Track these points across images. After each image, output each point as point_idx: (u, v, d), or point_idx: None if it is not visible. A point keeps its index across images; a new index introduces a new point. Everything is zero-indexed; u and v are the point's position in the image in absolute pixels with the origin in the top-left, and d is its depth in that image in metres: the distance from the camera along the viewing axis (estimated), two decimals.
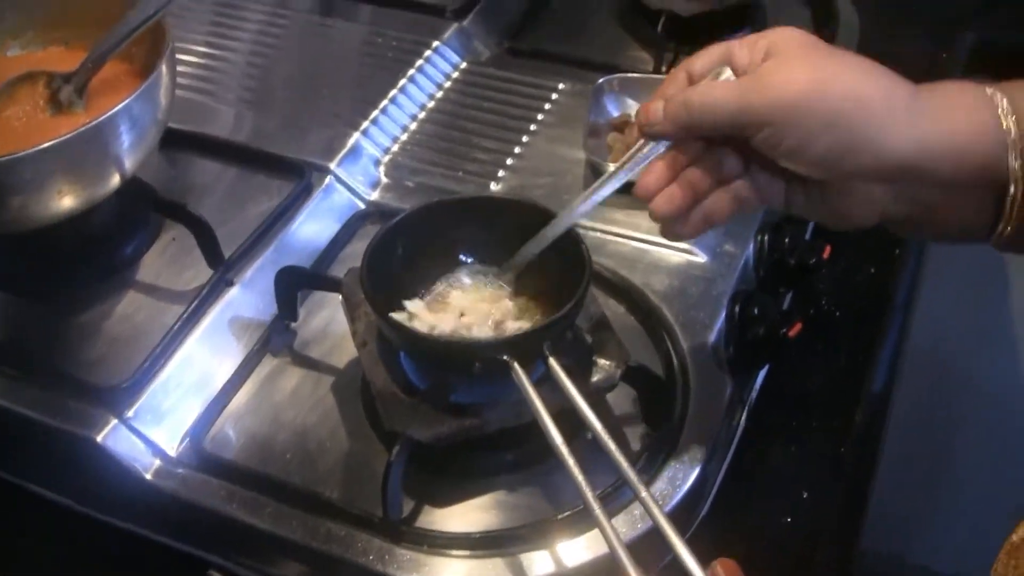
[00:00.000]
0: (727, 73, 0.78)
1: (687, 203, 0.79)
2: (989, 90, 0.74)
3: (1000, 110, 0.73)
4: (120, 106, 0.94)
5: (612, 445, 0.79)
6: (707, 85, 0.78)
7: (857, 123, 0.72)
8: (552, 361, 0.85)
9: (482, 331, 0.90)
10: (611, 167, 1.10)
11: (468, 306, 0.93)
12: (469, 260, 0.98)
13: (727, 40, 0.80)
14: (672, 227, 0.81)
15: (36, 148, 0.90)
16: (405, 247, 0.94)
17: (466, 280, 0.96)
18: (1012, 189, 0.73)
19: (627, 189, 1.10)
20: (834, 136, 0.73)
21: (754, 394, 1.03)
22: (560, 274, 0.91)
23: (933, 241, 1.22)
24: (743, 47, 0.78)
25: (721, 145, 0.79)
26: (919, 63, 1.42)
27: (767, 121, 0.73)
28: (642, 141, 0.81)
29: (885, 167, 0.74)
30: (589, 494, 0.76)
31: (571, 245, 0.90)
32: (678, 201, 0.79)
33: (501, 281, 0.95)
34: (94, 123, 0.93)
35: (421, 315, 0.92)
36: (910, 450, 1.61)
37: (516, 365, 0.84)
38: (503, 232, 0.95)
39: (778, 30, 0.77)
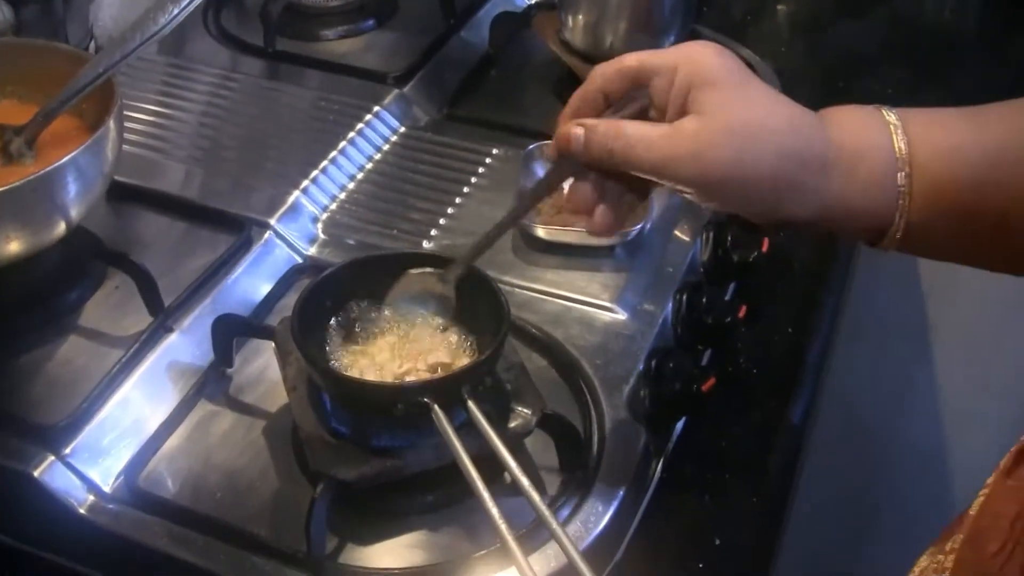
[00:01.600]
0: (643, 103, 0.81)
1: (618, 213, 0.84)
2: (892, 127, 0.78)
3: (898, 158, 0.77)
4: (67, 158, 0.98)
5: (527, 483, 0.83)
6: (632, 136, 0.79)
7: (772, 200, 0.78)
8: (471, 405, 0.89)
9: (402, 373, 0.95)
10: (540, 229, 1.16)
11: (394, 348, 0.97)
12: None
13: (640, 54, 0.82)
14: (604, 232, 0.86)
15: None
16: (334, 298, 0.98)
17: (395, 316, 0.99)
18: (893, 230, 0.78)
19: (554, 250, 1.16)
20: (750, 208, 0.79)
21: (671, 445, 1.06)
22: (482, 324, 0.95)
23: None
24: (662, 73, 0.79)
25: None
26: None
27: (691, 187, 0.78)
28: (559, 161, 0.85)
29: (791, 223, 0.79)
30: (506, 531, 0.80)
31: (491, 297, 0.95)
32: (610, 216, 0.84)
33: (445, 280, 0.97)
34: (42, 173, 0.97)
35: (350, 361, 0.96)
36: (824, 507, 1.66)
37: (436, 407, 0.87)
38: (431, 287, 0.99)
39: (694, 54, 0.79)
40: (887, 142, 0.77)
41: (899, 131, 0.77)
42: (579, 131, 0.81)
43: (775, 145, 0.77)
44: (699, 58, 0.79)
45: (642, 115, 0.82)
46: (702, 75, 0.77)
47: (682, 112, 0.78)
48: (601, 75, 0.83)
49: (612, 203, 0.84)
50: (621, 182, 0.83)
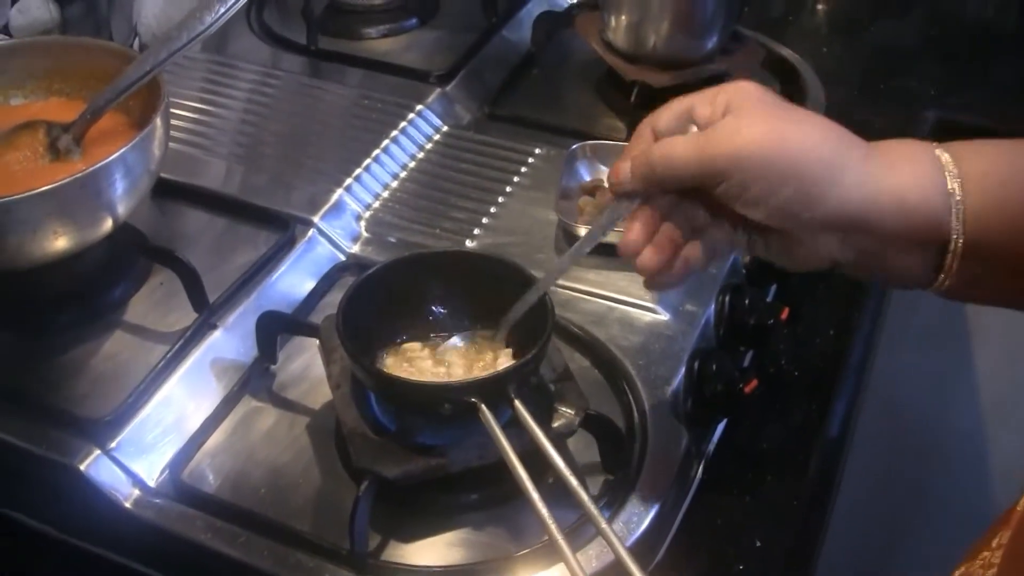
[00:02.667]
0: (691, 130, 0.82)
1: (668, 257, 0.84)
2: (938, 151, 0.78)
3: (947, 172, 0.76)
4: (115, 156, 0.99)
5: (575, 482, 0.83)
6: (668, 141, 0.81)
7: (812, 176, 0.76)
8: (518, 404, 0.89)
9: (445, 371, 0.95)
10: (581, 228, 1.16)
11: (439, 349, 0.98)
12: (441, 312, 1.02)
13: (687, 96, 0.84)
14: (656, 280, 0.86)
15: (33, 191, 0.95)
16: (379, 297, 0.98)
17: (453, 344, 1.00)
18: (952, 246, 0.76)
19: (598, 250, 1.16)
20: (791, 188, 0.76)
21: (711, 447, 1.07)
22: (526, 324, 0.95)
23: (882, 285, 1.27)
24: (704, 102, 0.81)
25: (690, 199, 0.83)
26: (880, 135, 1.48)
27: (727, 174, 0.77)
28: (613, 201, 0.86)
29: (837, 219, 0.77)
30: (554, 528, 0.80)
31: (537, 298, 0.95)
32: (660, 257, 0.83)
33: (494, 341, 0.98)
34: (89, 170, 0.98)
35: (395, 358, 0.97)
36: (865, 507, 1.65)
37: (483, 407, 0.88)
38: (473, 285, 1.00)
39: (736, 84, 0.81)
40: (940, 180, 0.77)
41: (951, 167, 0.77)
42: (625, 164, 0.83)
43: (814, 125, 0.78)
44: (741, 84, 0.81)
45: None
46: (740, 98, 0.80)
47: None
48: (651, 124, 0.85)
49: (664, 245, 0.84)
50: (678, 224, 0.84)
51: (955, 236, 0.76)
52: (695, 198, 0.83)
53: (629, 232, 0.84)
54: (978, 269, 0.78)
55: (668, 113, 0.84)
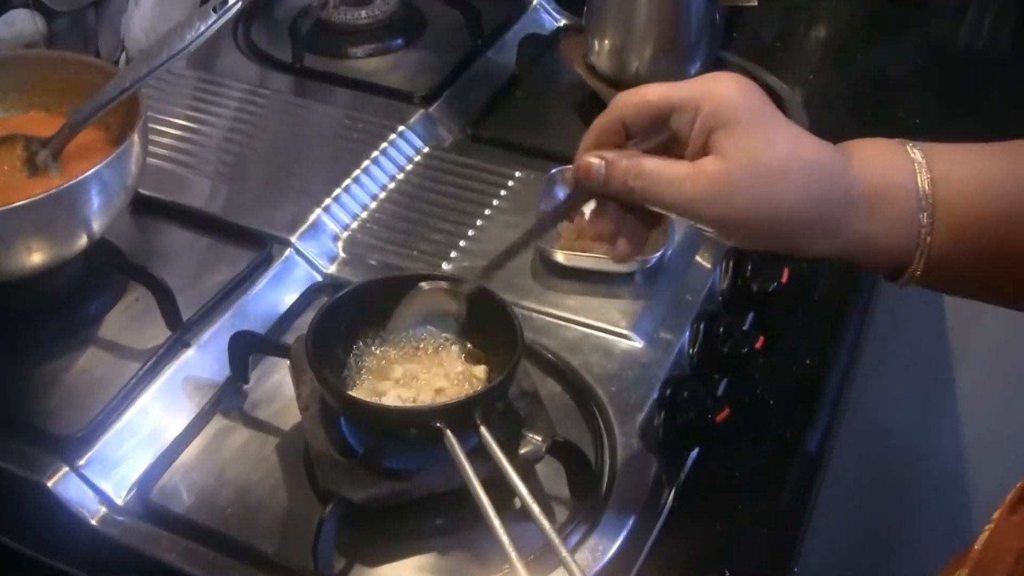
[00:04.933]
0: (663, 138, 0.81)
1: (639, 243, 0.85)
2: (911, 149, 0.79)
3: (921, 208, 0.77)
4: (91, 171, 1.00)
5: (536, 509, 0.83)
6: (652, 175, 0.79)
7: (794, 240, 0.78)
8: (483, 430, 0.89)
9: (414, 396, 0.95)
10: (559, 254, 1.16)
11: (408, 371, 0.98)
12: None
13: (665, 88, 0.80)
14: (627, 257, 0.87)
15: (7, 207, 0.95)
16: (351, 318, 0.99)
17: (408, 337, 1.00)
18: (915, 270, 0.79)
19: (576, 276, 1.16)
20: (773, 246, 0.80)
21: (684, 474, 1.06)
22: (497, 348, 0.96)
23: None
24: (684, 113, 0.78)
25: None
26: None
27: (711, 227, 0.78)
28: (578, 188, 0.85)
29: (818, 258, 0.81)
30: (515, 557, 0.80)
31: (506, 322, 0.95)
32: (629, 246, 0.84)
33: (456, 296, 0.97)
34: (65, 186, 0.98)
35: (363, 382, 0.97)
36: (843, 536, 1.65)
37: (448, 432, 0.88)
38: (443, 309, 0.99)
39: (719, 95, 0.77)
40: (911, 181, 0.77)
41: (923, 169, 0.77)
42: (599, 164, 0.81)
43: (797, 186, 0.77)
44: (722, 94, 0.77)
45: (664, 148, 0.81)
46: (724, 114, 0.77)
47: (704, 151, 0.77)
48: (622, 106, 0.82)
49: (632, 231, 0.84)
50: (639, 214, 0.84)
51: (913, 268, 0.79)
52: None
53: (597, 226, 0.85)
54: (945, 276, 0.80)
55: (644, 108, 0.81)
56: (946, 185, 0.77)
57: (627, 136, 0.82)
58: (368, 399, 0.94)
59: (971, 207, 0.77)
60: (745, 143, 0.76)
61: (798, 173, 0.77)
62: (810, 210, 0.77)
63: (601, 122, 0.83)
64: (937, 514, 1.93)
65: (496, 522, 0.82)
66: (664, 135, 0.81)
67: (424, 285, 0.98)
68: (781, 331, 1.20)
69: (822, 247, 0.79)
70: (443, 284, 0.98)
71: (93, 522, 0.94)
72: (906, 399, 1.83)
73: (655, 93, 0.80)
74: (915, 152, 0.79)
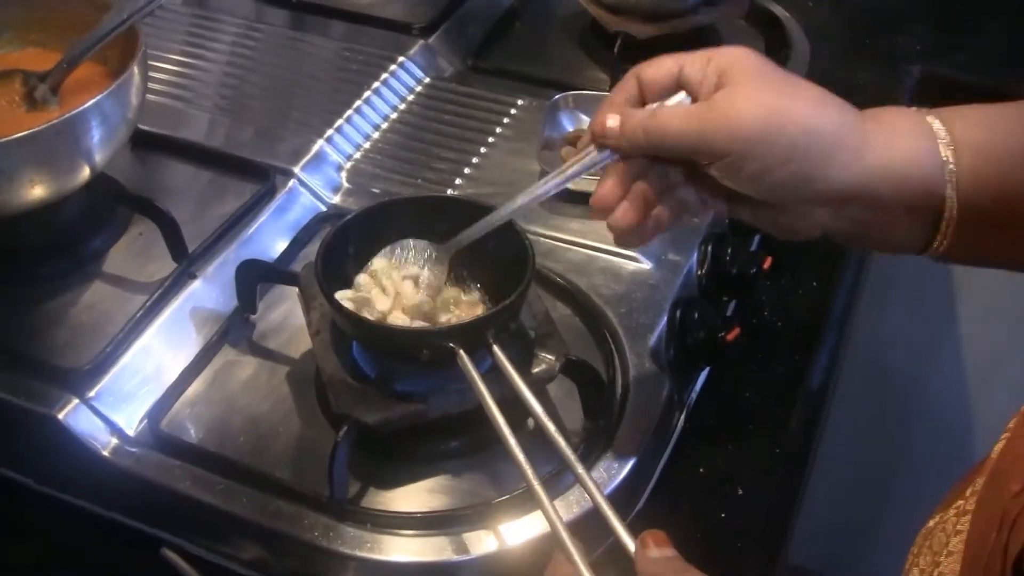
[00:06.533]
0: (680, 96, 0.81)
1: (640, 217, 0.83)
2: (929, 118, 0.78)
3: (939, 140, 0.76)
4: (91, 103, 0.98)
5: (552, 428, 0.83)
6: (665, 114, 0.79)
7: (811, 154, 0.75)
8: (496, 349, 0.89)
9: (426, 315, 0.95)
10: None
11: (416, 292, 0.97)
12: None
13: (677, 54, 0.81)
14: (626, 238, 0.85)
15: (8, 138, 0.94)
16: (358, 243, 0.98)
17: (407, 258, 0.99)
18: (947, 213, 0.77)
19: (579, 199, 1.16)
20: (789, 168, 0.76)
21: (694, 395, 1.07)
22: (506, 271, 0.95)
23: (874, 251, 1.27)
24: (695, 65, 0.79)
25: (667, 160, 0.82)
26: (866, 91, 1.47)
27: (725, 153, 0.76)
28: (591, 149, 0.85)
29: (832, 195, 0.77)
30: (531, 474, 0.80)
31: (516, 241, 0.94)
32: (632, 215, 0.82)
33: (439, 254, 0.97)
34: (67, 116, 0.97)
35: (366, 291, 0.96)
36: (848, 460, 1.65)
37: (462, 352, 0.88)
38: (452, 230, 0.98)
39: (729, 50, 0.79)
40: (928, 131, 0.77)
41: (943, 133, 0.77)
42: (614, 120, 0.81)
43: (810, 100, 0.77)
44: (734, 50, 0.79)
45: None
46: (735, 61, 0.78)
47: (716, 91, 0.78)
48: (637, 75, 0.83)
49: (636, 204, 0.83)
50: (652, 183, 0.83)
51: (950, 203, 0.76)
52: (674, 161, 0.82)
53: (603, 187, 0.83)
54: (973, 233, 0.77)
55: (657, 68, 0.82)
56: (968, 152, 0.76)
57: (643, 103, 0.83)
58: (379, 320, 0.93)
59: (994, 167, 0.76)
60: (757, 70, 0.77)
61: (812, 91, 0.77)
62: (824, 123, 0.76)
63: (616, 91, 0.84)
64: (940, 440, 1.94)
65: (511, 440, 0.81)
66: (678, 98, 0.81)
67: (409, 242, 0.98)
68: (787, 253, 1.19)
69: (837, 175, 0.76)
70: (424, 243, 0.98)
71: (105, 454, 0.94)
72: (908, 328, 1.84)
73: (669, 57, 0.82)
74: (934, 121, 0.78)
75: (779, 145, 0.75)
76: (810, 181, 0.76)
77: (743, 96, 0.76)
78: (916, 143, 0.77)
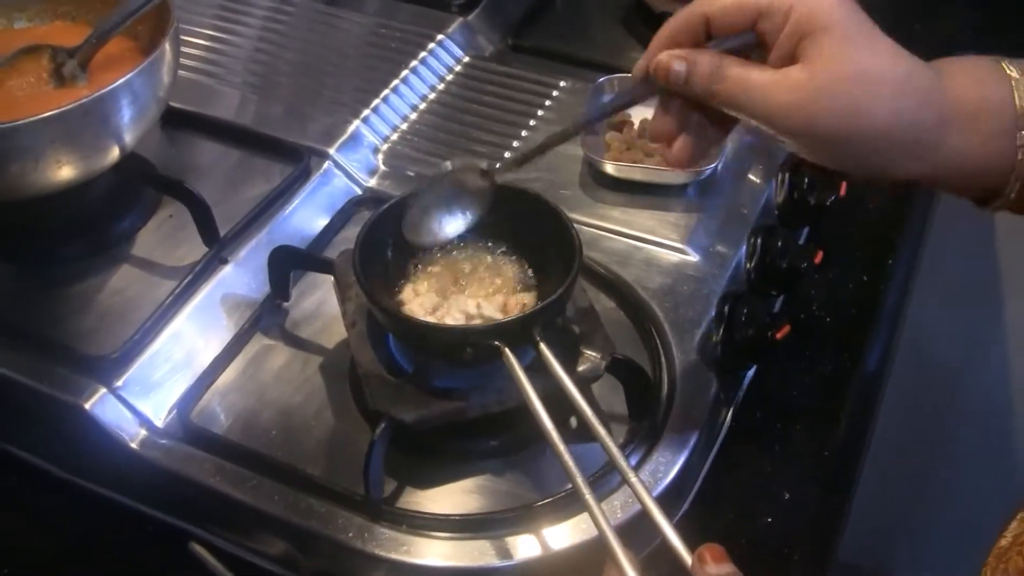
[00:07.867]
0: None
1: (700, 147, 0.81)
2: (1010, 69, 0.75)
3: (1015, 93, 0.74)
4: (121, 81, 0.95)
5: (601, 429, 0.80)
6: (736, 81, 0.75)
7: (883, 158, 0.74)
8: (543, 347, 0.85)
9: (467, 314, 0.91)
10: (608, 165, 1.12)
11: (457, 284, 0.94)
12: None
13: None
14: (683, 165, 0.82)
15: (35, 117, 0.91)
16: (398, 232, 0.94)
17: (458, 257, 0.97)
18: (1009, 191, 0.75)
19: (622, 187, 1.12)
20: (860, 164, 0.75)
21: (740, 394, 1.03)
22: (551, 263, 0.92)
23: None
24: (773, 17, 0.74)
25: None
26: None
27: (796, 140, 0.75)
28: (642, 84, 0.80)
29: (904, 180, 0.76)
30: (579, 476, 0.77)
31: (563, 233, 0.91)
32: (691, 149, 0.80)
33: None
34: (94, 96, 0.94)
35: (413, 298, 0.93)
36: (897, 459, 1.62)
37: (507, 350, 0.84)
38: (496, 219, 0.95)
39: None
40: (1007, 99, 0.73)
41: (1020, 86, 0.73)
42: (680, 67, 0.76)
43: (890, 98, 0.73)
44: (818, 3, 0.73)
45: (743, 54, 0.76)
46: (817, 19, 0.72)
47: (791, 58, 0.73)
48: (708, 1, 0.77)
49: (694, 135, 0.80)
50: (706, 115, 0.79)
51: (1009, 189, 0.75)
52: None
53: (659, 122, 0.81)
54: None
55: (732, 6, 0.76)
56: None
57: (707, 36, 0.78)
58: (420, 316, 0.90)
59: None
60: (837, 51, 0.72)
61: (892, 85, 0.73)
62: (902, 125, 0.73)
63: (681, 17, 0.78)
64: (983, 438, 1.91)
65: (559, 442, 0.78)
66: (747, 38, 0.76)
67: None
68: (836, 246, 1.16)
69: (912, 167, 0.75)
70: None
71: (133, 445, 0.92)
72: (953, 323, 1.80)
73: None
74: (1011, 69, 0.74)
75: (851, 149, 0.74)
76: (884, 171, 0.76)
77: (823, 83, 0.72)
78: (992, 138, 0.74)
